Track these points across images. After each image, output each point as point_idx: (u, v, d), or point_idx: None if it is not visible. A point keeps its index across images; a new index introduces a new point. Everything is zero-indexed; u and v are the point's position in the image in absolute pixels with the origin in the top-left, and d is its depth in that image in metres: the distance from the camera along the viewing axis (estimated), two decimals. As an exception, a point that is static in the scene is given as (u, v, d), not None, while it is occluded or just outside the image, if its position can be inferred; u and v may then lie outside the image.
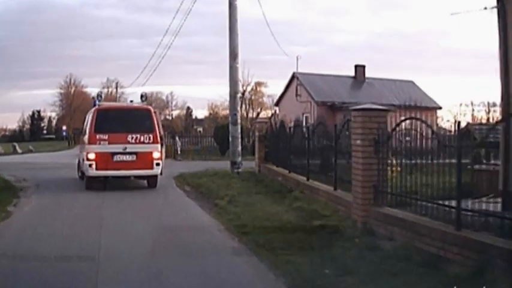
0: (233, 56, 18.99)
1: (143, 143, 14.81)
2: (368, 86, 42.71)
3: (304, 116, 39.54)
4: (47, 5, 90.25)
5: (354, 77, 42.97)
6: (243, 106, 49.15)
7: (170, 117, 79.81)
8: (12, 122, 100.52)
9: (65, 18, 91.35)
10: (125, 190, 15.52)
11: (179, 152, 29.99)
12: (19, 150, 37.82)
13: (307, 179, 13.80)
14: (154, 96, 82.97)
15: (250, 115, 50.53)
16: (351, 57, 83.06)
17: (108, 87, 78.35)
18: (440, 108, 45.09)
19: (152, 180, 15.70)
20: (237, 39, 18.98)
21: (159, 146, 15.22)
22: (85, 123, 16.53)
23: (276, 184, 15.71)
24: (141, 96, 17.01)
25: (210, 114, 65.59)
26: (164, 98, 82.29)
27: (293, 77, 40.98)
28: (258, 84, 54.87)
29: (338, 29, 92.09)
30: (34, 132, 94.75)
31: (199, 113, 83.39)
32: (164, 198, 13.84)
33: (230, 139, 19.08)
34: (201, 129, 62.53)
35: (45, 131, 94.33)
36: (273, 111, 65.30)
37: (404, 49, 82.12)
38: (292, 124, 19.53)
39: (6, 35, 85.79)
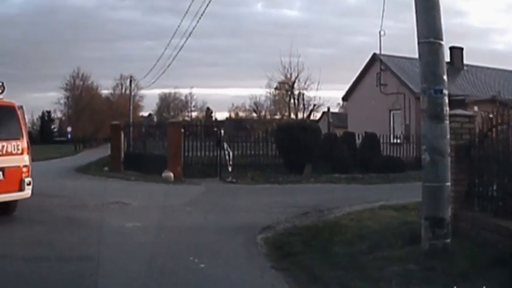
0: None
1: (10, 154, 10.05)
2: (467, 74, 30.89)
3: (392, 113, 27.60)
4: (61, 6, 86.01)
5: (450, 63, 30.84)
6: (291, 101, 37.31)
7: (189, 118, 70.71)
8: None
9: (80, 19, 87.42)
10: None
11: (230, 169, 18.03)
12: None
13: None
14: (172, 96, 74.94)
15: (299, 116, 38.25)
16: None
17: (122, 85, 69.99)
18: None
19: (10, 207, 10.15)
20: None
21: (28, 157, 10.37)
22: None
23: None
24: None
25: (230, 116, 55.80)
26: (183, 98, 75.22)
27: (373, 59, 28.95)
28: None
29: (354, 31, 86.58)
30: (44, 134, 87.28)
31: (217, 115, 75.52)
32: None
33: (426, 158, 6.88)
34: (222, 131, 52.49)
35: (56, 134, 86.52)
36: (326, 109, 53.61)
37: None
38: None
39: (21, 37, 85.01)
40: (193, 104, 73.85)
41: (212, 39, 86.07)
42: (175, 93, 75.37)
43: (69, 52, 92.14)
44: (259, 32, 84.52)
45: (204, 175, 17.97)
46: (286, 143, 20.23)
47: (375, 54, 28.60)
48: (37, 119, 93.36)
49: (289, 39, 78.80)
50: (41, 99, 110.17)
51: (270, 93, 40.03)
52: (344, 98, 33.08)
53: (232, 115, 68.19)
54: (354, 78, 30.86)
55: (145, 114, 71.04)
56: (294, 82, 36.49)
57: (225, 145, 18.47)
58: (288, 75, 35.95)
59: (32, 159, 10.63)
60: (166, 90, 73.77)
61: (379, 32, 28.45)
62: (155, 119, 67.01)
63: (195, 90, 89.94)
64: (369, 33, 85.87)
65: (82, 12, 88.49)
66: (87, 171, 21.60)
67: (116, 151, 21.70)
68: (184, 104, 72.79)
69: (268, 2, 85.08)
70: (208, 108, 73.51)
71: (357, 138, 23.17)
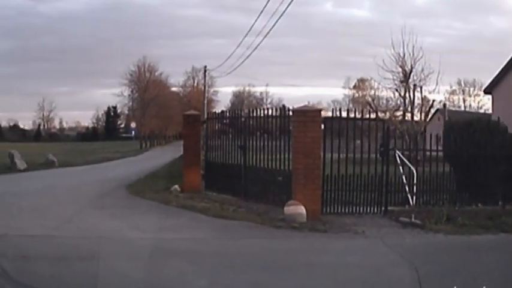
0: None
1: None
2: None
3: None
4: (128, 3, 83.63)
5: None
6: (408, 96, 28.38)
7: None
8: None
9: (147, 17, 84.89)
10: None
11: (413, 201, 9.07)
12: (20, 165, 18.67)
13: None
14: (246, 93, 70.13)
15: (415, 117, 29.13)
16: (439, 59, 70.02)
17: (193, 78, 65.45)
18: None
19: None
20: None
21: None
22: None
23: None
24: None
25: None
26: (258, 95, 71.84)
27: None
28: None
29: (422, 32, 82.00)
30: (109, 130, 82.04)
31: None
32: None
33: None
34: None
35: (122, 130, 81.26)
36: (442, 105, 44.14)
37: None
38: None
39: (89, 33, 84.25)
40: (268, 101, 67.40)
41: (284, 39, 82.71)
42: (249, 90, 69.87)
43: (136, 49, 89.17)
44: (330, 31, 79.32)
45: (351, 206, 9.60)
46: (465, 152, 11.53)
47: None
48: (102, 115, 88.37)
49: (359, 38, 73.87)
50: (108, 95, 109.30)
51: (394, 91, 31.48)
52: (487, 91, 24.00)
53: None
54: (500, 67, 21.82)
55: (218, 111, 65.22)
56: (410, 73, 27.53)
57: (399, 154, 9.77)
58: (403, 64, 27.18)
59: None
60: (240, 88, 68.63)
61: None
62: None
63: (269, 89, 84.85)
64: (437, 34, 78.75)
65: (149, 9, 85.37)
66: (144, 191, 12.45)
67: (192, 158, 12.74)
68: (258, 101, 66.11)
69: (337, 1, 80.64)
70: (284, 106, 66.60)
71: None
